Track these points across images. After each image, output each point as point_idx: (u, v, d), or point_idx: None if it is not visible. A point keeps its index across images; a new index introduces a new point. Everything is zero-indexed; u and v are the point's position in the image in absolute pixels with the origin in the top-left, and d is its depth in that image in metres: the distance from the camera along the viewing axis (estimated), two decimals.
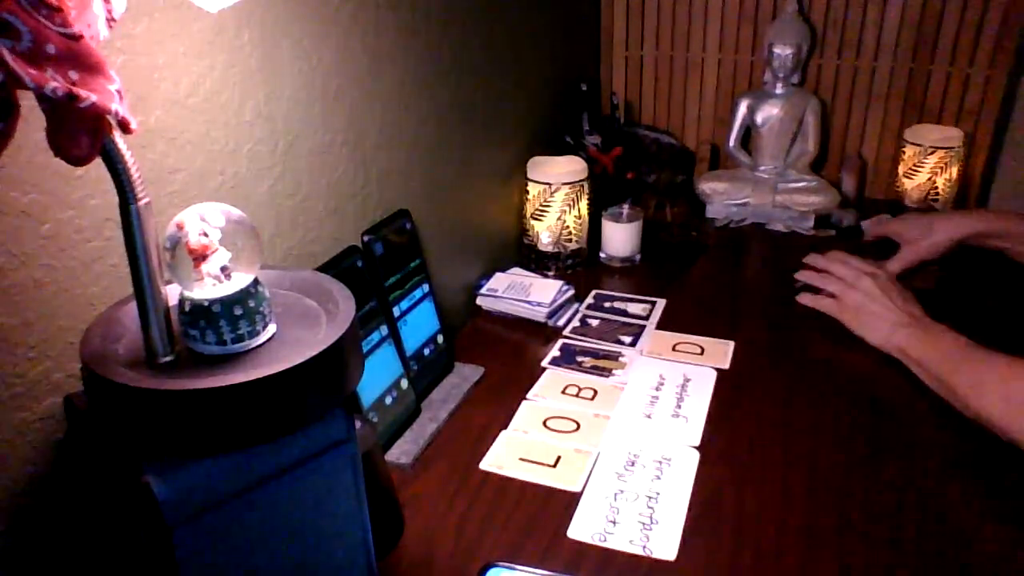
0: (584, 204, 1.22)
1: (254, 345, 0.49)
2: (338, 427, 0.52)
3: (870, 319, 0.97)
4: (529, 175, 1.21)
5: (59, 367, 0.54)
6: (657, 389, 0.93)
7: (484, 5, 1.07)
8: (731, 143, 1.51)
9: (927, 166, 1.38)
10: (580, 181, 1.20)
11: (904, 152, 1.42)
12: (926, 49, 1.41)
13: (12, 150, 0.48)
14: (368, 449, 0.64)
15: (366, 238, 0.85)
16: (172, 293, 0.49)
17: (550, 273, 1.22)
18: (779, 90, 1.46)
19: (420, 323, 0.92)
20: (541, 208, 1.21)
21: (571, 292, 1.12)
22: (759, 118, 1.46)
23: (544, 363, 0.99)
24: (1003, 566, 0.68)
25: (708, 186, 1.45)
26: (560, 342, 1.04)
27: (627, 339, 1.04)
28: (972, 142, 1.43)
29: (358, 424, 0.57)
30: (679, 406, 0.90)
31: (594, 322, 1.09)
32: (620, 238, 1.26)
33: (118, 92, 0.39)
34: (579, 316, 1.10)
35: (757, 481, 0.78)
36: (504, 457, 0.82)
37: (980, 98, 1.41)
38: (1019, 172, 1.39)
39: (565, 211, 1.20)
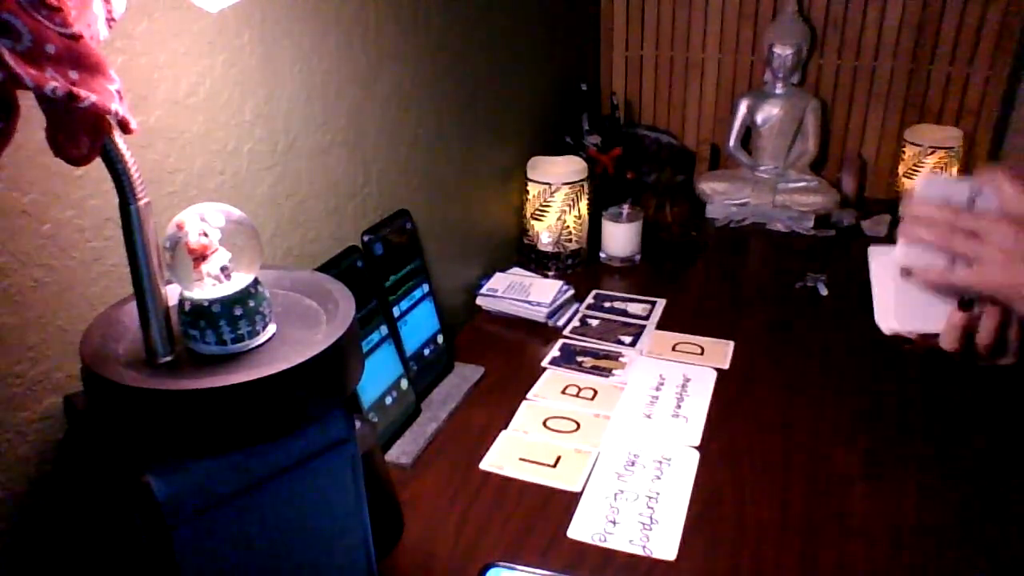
0: (584, 204, 1.22)
1: (254, 345, 0.49)
2: (338, 427, 0.52)
3: None
4: (529, 175, 1.21)
5: (59, 367, 0.54)
6: (657, 389, 0.93)
7: (484, 5, 1.07)
8: (731, 143, 1.51)
9: (927, 166, 1.38)
10: (580, 181, 1.20)
11: (904, 152, 1.42)
12: (926, 49, 1.41)
13: (12, 150, 0.48)
14: (368, 449, 0.64)
15: (366, 238, 0.85)
16: (172, 293, 0.49)
17: (550, 273, 1.22)
18: (779, 90, 1.46)
19: (420, 323, 0.92)
20: (541, 208, 1.21)
21: (571, 292, 1.12)
22: (759, 118, 1.46)
23: (544, 363, 0.99)
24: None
25: (708, 186, 1.45)
26: (560, 342, 1.04)
27: (627, 339, 1.04)
28: (972, 142, 1.43)
29: (358, 424, 0.57)
30: (679, 406, 0.90)
31: (594, 322, 1.09)
32: (620, 238, 1.26)
33: (118, 92, 0.39)
34: (579, 316, 1.10)
35: (757, 481, 0.78)
36: (504, 457, 0.82)
37: (980, 98, 1.41)
38: None
39: (565, 211, 1.20)
